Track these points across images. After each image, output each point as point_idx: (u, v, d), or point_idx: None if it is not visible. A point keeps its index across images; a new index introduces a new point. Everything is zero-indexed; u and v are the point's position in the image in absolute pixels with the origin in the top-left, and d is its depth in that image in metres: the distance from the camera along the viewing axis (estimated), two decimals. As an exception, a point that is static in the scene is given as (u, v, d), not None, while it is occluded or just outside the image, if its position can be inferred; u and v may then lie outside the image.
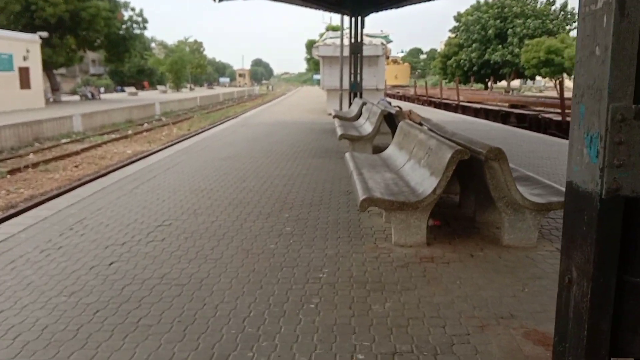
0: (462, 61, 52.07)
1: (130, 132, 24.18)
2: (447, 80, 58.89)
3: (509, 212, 4.12)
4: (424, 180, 4.25)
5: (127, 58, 40.71)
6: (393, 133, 10.89)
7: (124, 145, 20.15)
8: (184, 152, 10.18)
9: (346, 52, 18.21)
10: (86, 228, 4.90)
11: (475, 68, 50.79)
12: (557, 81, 42.20)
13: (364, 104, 12.55)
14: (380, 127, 8.65)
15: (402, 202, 4.05)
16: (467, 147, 4.15)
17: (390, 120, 8.79)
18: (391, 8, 16.86)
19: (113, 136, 22.70)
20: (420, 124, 9.05)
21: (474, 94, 25.99)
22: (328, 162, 8.60)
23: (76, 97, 40.25)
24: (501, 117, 17.33)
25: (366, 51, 17.75)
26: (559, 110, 14.08)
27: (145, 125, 27.85)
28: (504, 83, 54.07)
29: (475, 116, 19.27)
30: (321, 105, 27.12)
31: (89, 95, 38.60)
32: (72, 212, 5.52)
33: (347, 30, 19.46)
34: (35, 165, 14.06)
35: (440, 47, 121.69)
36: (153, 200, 6.02)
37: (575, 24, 48.84)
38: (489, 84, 41.22)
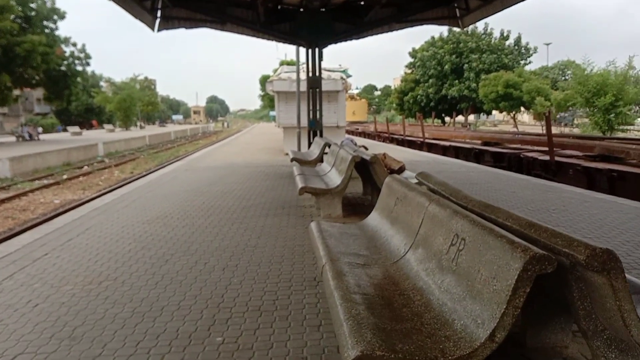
0: (419, 97, 51.64)
1: (65, 176, 21.69)
2: (404, 116, 58.41)
3: (610, 355, 2.27)
4: (463, 306, 2.34)
5: (67, 96, 38.02)
6: (363, 178, 9.19)
7: (54, 193, 17.70)
8: (103, 210, 8.04)
9: (303, 87, 16.57)
10: None
11: (432, 103, 50.40)
12: (513, 115, 42.13)
13: (327, 144, 10.75)
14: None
15: None
16: (546, 246, 2.31)
17: (362, 165, 7.01)
18: (351, 39, 15.39)
19: (45, 182, 20.18)
20: (401, 171, 7.30)
21: (440, 131, 24.72)
22: (286, 222, 6.66)
23: (12, 139, 37.10)
24: (474, 155, 15.89)
25: (325, 86, 16.16)
26: (544, 149, 12.74)
27: (85, 168, 25.37)
28: (460, 118, 53.96)
29: (444, 154, 17.82)
30: (277, 143, 25.30)
31: (27, 135, 35.58)
32: None
33: (304, 64, 17.95)
34: None
35: (393, 83, 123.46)
36: (10, 314, 3.91)
37: (530, 59, 49.84)
38: (453, 119, 40.59)
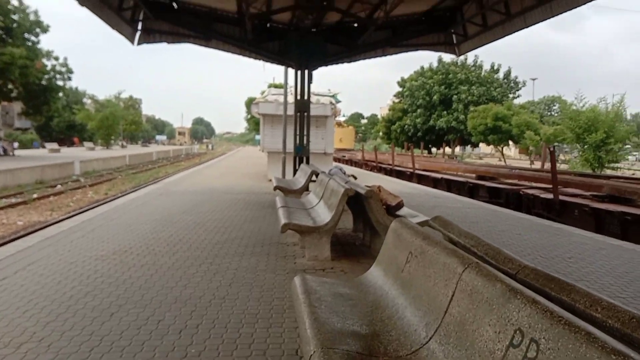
0: (406, 126, 51.16)
1: (35, 195, 20.42)
2: (390, 146, 57.94)
3: None
4: None
5: (46, 111, 36.75)
6: (353, 212, 8.23)
7: (19, 214, 16.47)
8: (56, 239, 6.96)
9: (290, 111, 15.73)
10: None
11: (420, 133, 49.92)
12: (501, 149, 41.77)
13: (314, 173, 9.83)
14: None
15: None
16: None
17: (353, 198, 6.06)
18: (342, 62, 14.64)
19: (13, 201, 18.89)
20: (398, 208, 6.37)
21: (430, 162, 23.92)
22: (265, 265, 5.66)
23: (-16, 153, 35.59)
24: (468, 189, 15.04)
25: (313, 110, 15.34)
26: (545, 186, 11.95)
27: (58, 187, 24.06)
28: (447, 149, 53.60)
29: (435, 187, 16.98)
30: (261, 168, 24.32)
31: (0, 150, 34.13)
32: None
33: (292, 87, 17.16)
34: None
35: (380, 112, 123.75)
36: None
37: (519, 92, 49.87)
38: (443, 149, 40.23)
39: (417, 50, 14.71)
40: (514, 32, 11.67)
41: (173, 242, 6.79)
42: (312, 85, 14.10)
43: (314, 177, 9.88)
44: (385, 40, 14.12)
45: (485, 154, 77.19)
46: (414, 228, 3.16)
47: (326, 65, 14.46)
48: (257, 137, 77.82)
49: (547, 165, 26.15)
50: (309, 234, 5.61)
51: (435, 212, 7.97)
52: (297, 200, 7.76)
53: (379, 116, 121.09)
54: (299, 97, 13.77)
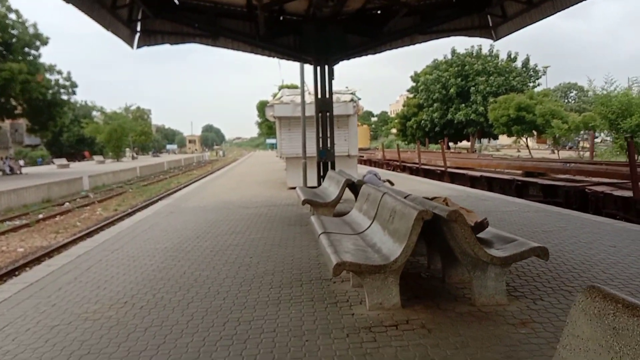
0: (423, 121, 49.35)
1: (41, 216, 19.23)
2: (406, 142, 56.06)
3: None
4: None
5: (52, 126, 35.64)
6: (425, 238, 6.47)
7: (21, 238, 15.23)
8: (39, 286, 5.52)
9: (308, 112, 14.24)
10: None
11: (437, 128, 48.11)
12: (525, 139, 39.86)
13: (348, 183, 8.31)
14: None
15: None
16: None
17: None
18: (366, 54, 13.11)
19: (17, 223, 17.69)
20: (482, 228, 4.82)
21: (459, 158, 22.11)
22: (312, 319, 4.14)
23: (-9, 173, 34.54)
24: (516, 188, 13.39)
25: (334, 110, 13.81)
26: (621, 181, 10.26)
27: (66, 205, 22.87)
28: (464, 143, 51.76)
29: (472, 186, 15.34)
30: (278, 174, 22.88)
31: (7, 169, 33.04)
32: None
33: (307, 86, 15.68)
34: None
35: (390, 110, 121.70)
36: None
37: (539, 81, 47.84)
38: (472, 143, 38.36)
39: (448, 36, 13.13)
40: (567, 7, 10.07)
41: (186, 285, 5.30)
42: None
43: (361, 194, 8.38)
44: (413, 27, 12.57)
45: (502, 145, 75.03)
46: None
47: (348, 59, 12.95)
48: (268, 141, 76.33)
49: (568, 155, 24.33)
50: (371, 274, 4.09)
51: (492, 219, 6.44)
52: (336, 220, 6.23)
53: (389, 113, 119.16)
54: (319, 96, 12.25)
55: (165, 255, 6.79)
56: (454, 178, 17.28)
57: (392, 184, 10.40)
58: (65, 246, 12.97)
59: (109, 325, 4.19)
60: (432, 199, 5.43)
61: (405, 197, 4.98)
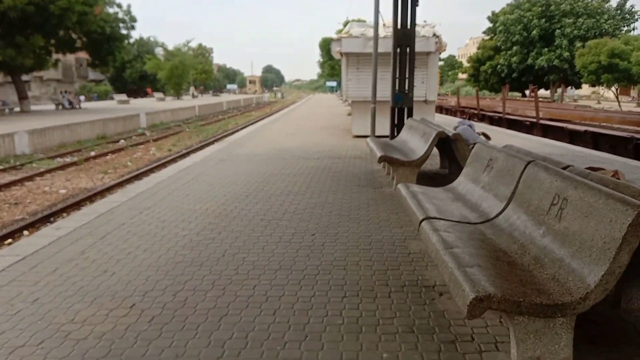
0: (499, 66, 45.32)
1: (93, 153, 18.45)
2: (478, 89, 52.26)
3: None
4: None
5: (112, 61, 34.86)
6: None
7: (67, 178, 14.30)
8: (33, 263, 4.10)
9: (382, 48, 12.09)
10: None
11: (514, 74, 44.05)
12: (616, 90, 35.76)
13: (439, 135, 6.40)
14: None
15: None
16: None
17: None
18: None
19: (67, 160, 16.93)
20: None
21: (556, 109, 19.13)
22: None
23: (51, 107, 34.52)
24: (634, 149, 10.99)
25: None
26: None
27: (121, 142, 22.11)
28: (542, 91, 47.50)
29: (571, 142, 12.94)
30: (340, 119, 21.01)
31: (66, 103, 32.80)
32: None
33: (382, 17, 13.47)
34: None
35: (457, 54, 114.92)
36: None
37: (635, 24, 42.59)
38: (562, 91, 34.59)
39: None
40: None
41: (223, 280, 3.68)
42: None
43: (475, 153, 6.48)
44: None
45: (580, 96, 69.18)
46: None
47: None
48: (328, 83, 73.47)
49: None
50: (531, 315, 2.29)
51: None
52: (438, 192, 4.39)
53: (456, 57, 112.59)
54: (399, 26, 10.12)
55: (203, 223, 5.23)
56: (547, 131, 14.79)
57: (488, 137, 8.38)
58: (110, 189, 11.88)
59: (95, 357, 2.64)
60: (595, 170, 3.48)
61: (564, 169, 3.07)
